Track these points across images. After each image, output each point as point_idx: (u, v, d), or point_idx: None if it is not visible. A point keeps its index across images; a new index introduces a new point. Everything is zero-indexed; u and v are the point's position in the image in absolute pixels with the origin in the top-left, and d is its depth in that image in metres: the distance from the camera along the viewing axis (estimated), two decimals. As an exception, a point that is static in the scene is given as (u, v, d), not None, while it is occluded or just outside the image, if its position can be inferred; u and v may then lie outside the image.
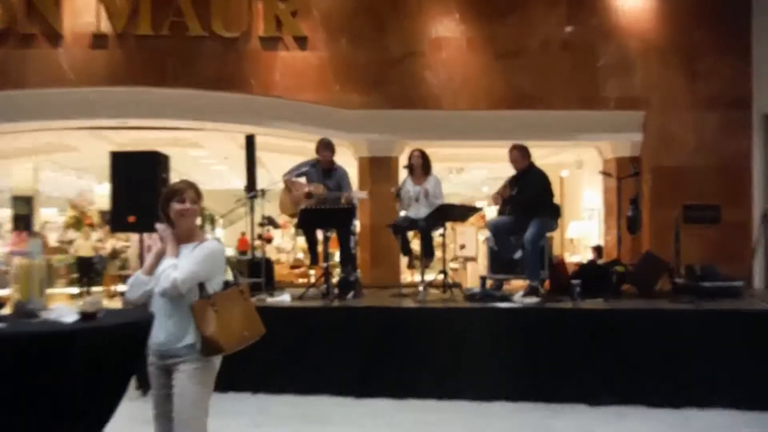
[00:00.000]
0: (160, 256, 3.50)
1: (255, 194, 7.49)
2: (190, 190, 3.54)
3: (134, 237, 15.19)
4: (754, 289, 8.99)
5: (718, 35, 10.17)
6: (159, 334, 3.47)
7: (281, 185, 7.70)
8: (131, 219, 6.88)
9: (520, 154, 7.21)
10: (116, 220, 7.16)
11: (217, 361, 3.51)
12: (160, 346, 3.46)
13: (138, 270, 3.56)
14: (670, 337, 6.15)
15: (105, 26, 9.76)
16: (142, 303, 3.53)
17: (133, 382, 4.39)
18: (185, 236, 3.55)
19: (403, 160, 8.54)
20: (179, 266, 3.39)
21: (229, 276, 3.78)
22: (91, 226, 17.31)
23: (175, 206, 3.52)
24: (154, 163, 6.95)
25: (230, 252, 15.85)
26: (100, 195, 17.20)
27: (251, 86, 9.90)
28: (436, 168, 7.93)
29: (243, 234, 16.75)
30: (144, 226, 6.90)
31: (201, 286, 3.43)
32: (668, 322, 6.23)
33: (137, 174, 6.89)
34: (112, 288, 15.95)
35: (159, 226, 3.54)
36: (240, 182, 8.00)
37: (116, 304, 6.77)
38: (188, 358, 3.41)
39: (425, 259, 7.62)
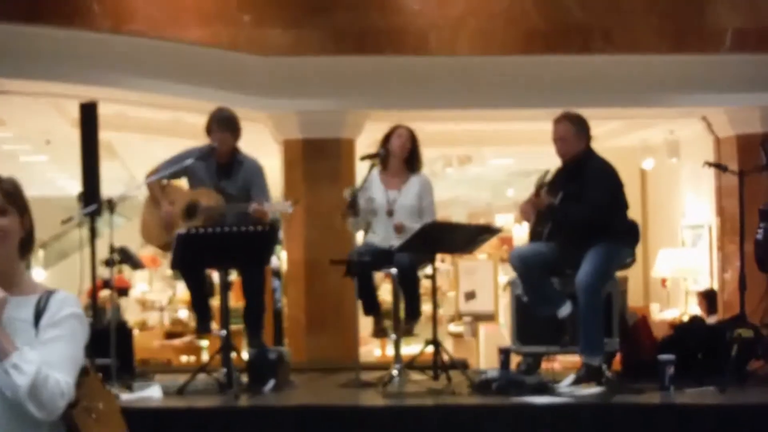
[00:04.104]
0: None
1: (96, 209, 7.39)
2: None
3: None
4: None
5: None
6: None
7: (146, 193, 7.67)
8: None
9: (573, 129, 7.23)
10: None
11: None
12: None
13: None
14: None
15: None
16: None
17: None
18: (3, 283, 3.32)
19: (361, 146, 8.55)
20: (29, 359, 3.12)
21: None
22: None
23: None
24: None
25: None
26: None
27: (93, 17, 9.83)
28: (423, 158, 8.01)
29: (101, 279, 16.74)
30: None
31: None
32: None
33: None
34: None
35: None
36: (74, 185, 7.94)
37: None
38: None
39: (405, 320, 7.64)
